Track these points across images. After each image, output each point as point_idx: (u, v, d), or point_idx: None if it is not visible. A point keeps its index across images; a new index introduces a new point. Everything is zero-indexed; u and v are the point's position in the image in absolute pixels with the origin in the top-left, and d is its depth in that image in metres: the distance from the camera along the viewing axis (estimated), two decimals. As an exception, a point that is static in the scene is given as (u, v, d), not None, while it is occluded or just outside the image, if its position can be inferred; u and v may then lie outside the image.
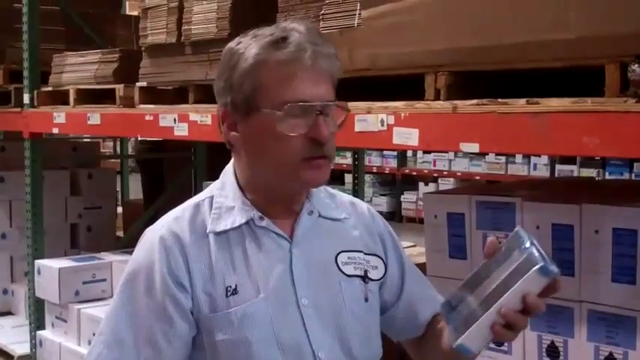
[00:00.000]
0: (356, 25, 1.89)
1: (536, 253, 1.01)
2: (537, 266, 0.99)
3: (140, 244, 1.16)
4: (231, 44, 1.15)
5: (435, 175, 8.98)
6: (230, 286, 1.11)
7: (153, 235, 1.14)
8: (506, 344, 1.68)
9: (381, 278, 1.23)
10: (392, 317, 1.26)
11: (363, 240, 1.23)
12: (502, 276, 1.03)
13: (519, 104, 1.49)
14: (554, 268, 1.00)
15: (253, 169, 1.15)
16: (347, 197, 1.29)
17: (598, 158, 7.19)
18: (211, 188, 1.20)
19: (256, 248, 1.13)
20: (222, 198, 1.17)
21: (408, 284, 1.27)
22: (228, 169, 1.21)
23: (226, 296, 1.10)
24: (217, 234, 1.14)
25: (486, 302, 1.02)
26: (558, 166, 7.72)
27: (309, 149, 1.09)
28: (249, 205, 1.15)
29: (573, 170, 7.51)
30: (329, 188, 1.26)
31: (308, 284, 1.14)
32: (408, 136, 1.69)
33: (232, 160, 1.21)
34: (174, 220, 1.15)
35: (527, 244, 1.03)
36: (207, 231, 1.14)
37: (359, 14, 1.88)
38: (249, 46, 1.11)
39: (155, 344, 1.09)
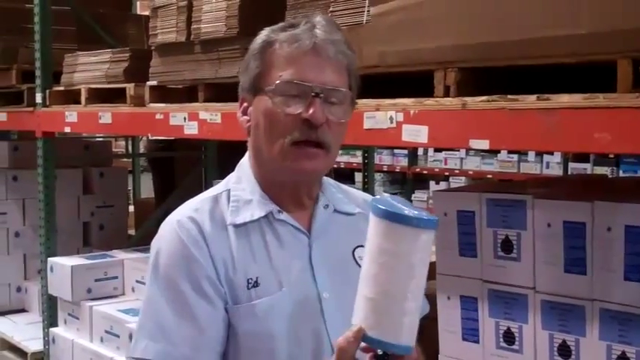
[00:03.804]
0: (364, 22, 1.89)
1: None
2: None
3: (163, 234, 1.15)
4: None
5: (447, 173, 8.93)
6: (251, 279, 1.11)
7: (176, 223, 1.13)
8: (517, 344, 1.66)
9: None
10: None
11: None
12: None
13: (530, 100, 1.48)
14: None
15: (257, 156, 1.15)
16: (359, 193, 1.30)
17: (612, 156, 7.12)
18: (227, 181, 1.20)
19: (276, 241, 1.14)
20: (240, 191, 1.17)
21: None
22: (244, 162, 1.21)
23: (248, 288, 1.10)
24: (236, 226, 1.14)
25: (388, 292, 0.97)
26: (571, 164, 7.65)
27: (299, 130, 1.08)
28: (267, 199, 1.15)
29: (587, 168, 7.43)
30: (340, 184, 1.26)
31: (328, 279, 1.14)
32: (417, 134, 1.67)
33: (247, 153, 1.21)
34: (194, 210, 1.15)
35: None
36: (227, 223, 1.14)
37: (368, 11, 1.88)
38: (264, 32, 1.14)
39: (198, 326, 1.07)
